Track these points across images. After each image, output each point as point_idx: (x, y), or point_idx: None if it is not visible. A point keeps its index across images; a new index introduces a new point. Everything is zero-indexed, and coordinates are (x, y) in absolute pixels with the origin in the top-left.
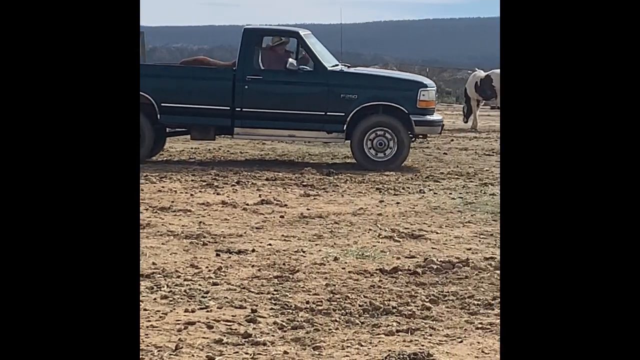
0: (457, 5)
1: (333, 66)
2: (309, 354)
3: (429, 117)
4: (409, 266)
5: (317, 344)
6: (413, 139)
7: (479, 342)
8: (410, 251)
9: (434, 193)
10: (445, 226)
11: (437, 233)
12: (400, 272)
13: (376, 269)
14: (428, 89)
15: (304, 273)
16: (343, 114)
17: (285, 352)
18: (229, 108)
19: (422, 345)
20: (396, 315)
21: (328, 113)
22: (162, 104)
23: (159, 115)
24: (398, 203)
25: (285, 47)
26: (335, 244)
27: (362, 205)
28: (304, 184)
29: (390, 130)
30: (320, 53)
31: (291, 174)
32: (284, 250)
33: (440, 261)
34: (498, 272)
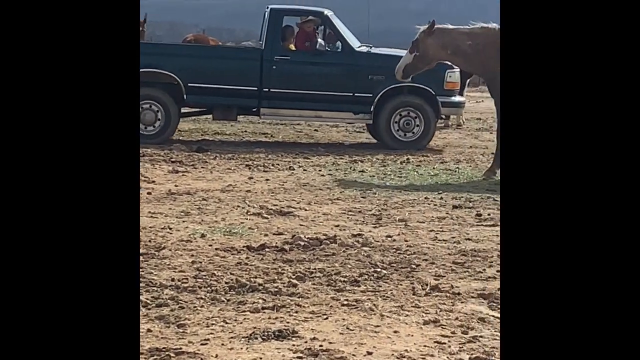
0: None
1: (359, 47)
2: (173, 332)
3: (454, 99)
4: (276, 243)
5: (182, 322)
6: (437, 120)
7: (344, 319)
8: (279, 228)
9: (304, 170)
10: (314, 203)
11: (306, 210)
12: (267, 249)
13: (243, 246)
14: (454, 70)
15: (170, 250)
16: (371, 95)
17: (149, 330)
18: (256, 88)
19: (288, 322)
20: (262, 292)
21: (356, 94)
22: (189, 84)
23: (185, 95)
24: (267, 180)
25: (313, 26)
26: (202, 220)
27: (231, 182)
28: (173, 160)
29: (418, 111)
30: (346, 34)
31: (160, 150)
32: (150, 227)
33: (308, 238)
34: (365, 248)
